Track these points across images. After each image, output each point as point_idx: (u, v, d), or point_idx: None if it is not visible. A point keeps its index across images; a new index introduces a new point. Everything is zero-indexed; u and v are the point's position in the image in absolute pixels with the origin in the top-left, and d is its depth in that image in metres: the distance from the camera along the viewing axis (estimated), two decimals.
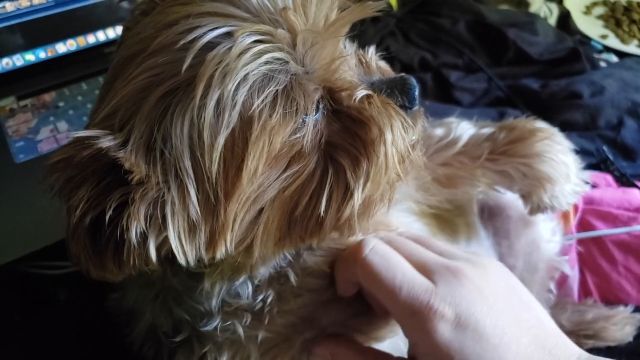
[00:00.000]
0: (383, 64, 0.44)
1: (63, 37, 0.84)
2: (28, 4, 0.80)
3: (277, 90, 0.34)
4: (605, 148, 0.87)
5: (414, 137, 0.42)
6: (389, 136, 0.38)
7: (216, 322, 0.45)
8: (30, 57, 0.82)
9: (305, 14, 0.36)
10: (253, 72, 0.33)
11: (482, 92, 1.01)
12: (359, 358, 0.45)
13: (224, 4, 0.36)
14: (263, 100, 0.34)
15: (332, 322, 0.47)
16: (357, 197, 0.37)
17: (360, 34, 1.11)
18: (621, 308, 0.69)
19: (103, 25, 0.86)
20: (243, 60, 0.33)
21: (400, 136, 0.39)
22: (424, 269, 0.41)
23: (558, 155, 0.57)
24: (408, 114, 0.40)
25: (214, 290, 0.44)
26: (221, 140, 0.33)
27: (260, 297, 0.44)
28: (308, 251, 0.46)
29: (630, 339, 0.67)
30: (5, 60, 0.81)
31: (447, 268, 0.41)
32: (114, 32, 0.87)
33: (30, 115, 0.79)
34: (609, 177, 0.83)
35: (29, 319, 0.65)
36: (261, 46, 0.33)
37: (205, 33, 0.34)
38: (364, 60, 0.43)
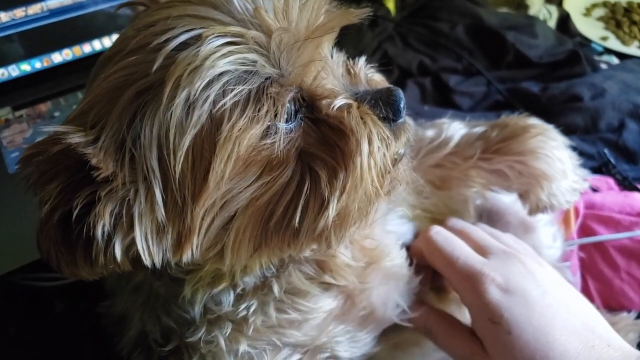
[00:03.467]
0: (376, 76, 0.44)
1: (59, 47, 0.84)
2: (23, 14, 0.79)
3: (248, 92, 0.34)
4: (606, 151, 0.86)
5: (400, 151, 0.41)
6: (365, 147, 0.37)
7: (200, 333, 0.44)
8: (25, 67, 0.82)
9: (286, 19, 0.36)
10: (221, 73, 0.33)
11: (481, 96, 1.00)
12: (451, 328, 0.50)
13: (206, 8, 0.36)
14: (232, 101, 0.34)
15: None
16: (332, 209, 0.37)
17: (359, 39, 1.10)
18: (624, 314, 0.67)
19: (99, 35, 0.86)
20: (211, 60, 0.33)
21: (377, 148, 0.38)
22: (482, 249, 0.48)
23: (553, 152, 0.56)
24: (392, 127, 0.40)
25: (195, 298, 0.43)
26: (187, 140, 0.33)
27: (243, 306, 0.44)
28: (293, 263, 0.46)
29: (634, 345, 0.66)
30: (0, 71, 0.80)
31: (503, 250, 0.48)
32: (110, 41, 0.87)
33: (25, 125, 0.79)
34: (610, 181, 0.82)
35: (24, 332, 0.65)
36: (231, 47, 0.34)
37: (179, 34, 0.34)
38: (352, 71, 0.42)
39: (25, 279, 0.66)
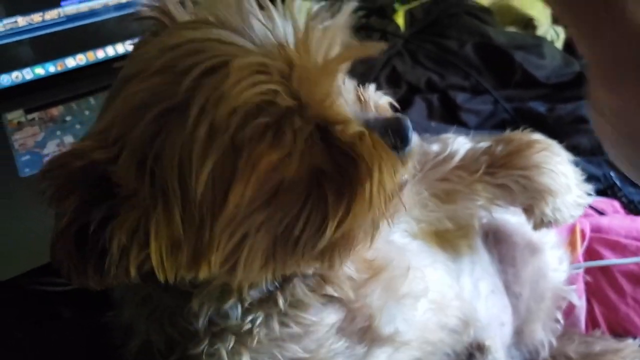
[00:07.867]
0: (383, 103, 0.44)
1: (73, 52, 0.84)
2: (40, 19, 0.80)
3: (268, 122, 0.35)
4: (612, 174, 0.86)
5: (404, 177, 0.42)
6: (376, 176, 0.38)
7: (203, 346, 0.44)
8: (39, 70, 0.83)
9: (305, 49, 0.37)
10: (246, 102, 0.34)
11: (488, 114, 1.01)
12: None
13: (229, 32, 0.36)
14: (254, 129, 0.34)
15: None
16: (330, 229, 0.38)
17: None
18: (630, 341, 0.67)
19: (112, 41, 0.87)
20: (237, 89, 0.33)
21: (388, 176, 0.39)
22: None
23: (557, 166, 0.56)
24: (399, 155, 0.41)
25: (201, 311, 0.44)
26: (209, 164, 0.34)
27: (249, 318, 0.44)
28: (298, 277, 0.46)
29: None
30: (15, 74, 0.81)
31: None
32: (123, 47, 0.88)
33: (37, 128, 0.79)
34: (616, 204, 0.82)
35: (31, 337, 0.64)
36: (256, 77, 0.34)
37: (205, 59, 0.34)
38: (362, 98, 0.43)
39: (32, 283, 0.66)
